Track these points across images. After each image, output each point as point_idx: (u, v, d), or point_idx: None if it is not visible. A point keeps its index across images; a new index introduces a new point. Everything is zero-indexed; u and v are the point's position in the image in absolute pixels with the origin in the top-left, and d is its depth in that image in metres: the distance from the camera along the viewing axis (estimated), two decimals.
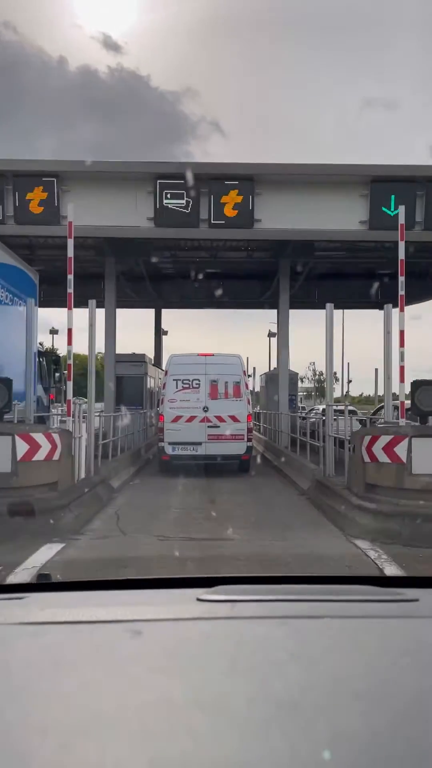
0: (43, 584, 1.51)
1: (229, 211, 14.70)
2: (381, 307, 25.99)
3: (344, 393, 39.38)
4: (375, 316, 24.08)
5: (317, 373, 65.21)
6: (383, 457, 7.32)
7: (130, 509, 8.79)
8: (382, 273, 19.81)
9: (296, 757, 0.63)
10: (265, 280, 21.21)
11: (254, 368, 32.61)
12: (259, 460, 16.64)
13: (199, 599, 1.21)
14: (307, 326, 27.63)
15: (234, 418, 12.64)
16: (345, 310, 31.06)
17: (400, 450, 7.18)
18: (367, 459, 7.55)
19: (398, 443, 7.22)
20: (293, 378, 22.93)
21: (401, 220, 9.41)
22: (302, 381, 66.69)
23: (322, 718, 0.72)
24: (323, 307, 27.72)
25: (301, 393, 53.35)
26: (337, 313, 33.61)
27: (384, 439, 7.35)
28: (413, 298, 21.96)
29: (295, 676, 0.85)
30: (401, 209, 9.50)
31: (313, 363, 63.91)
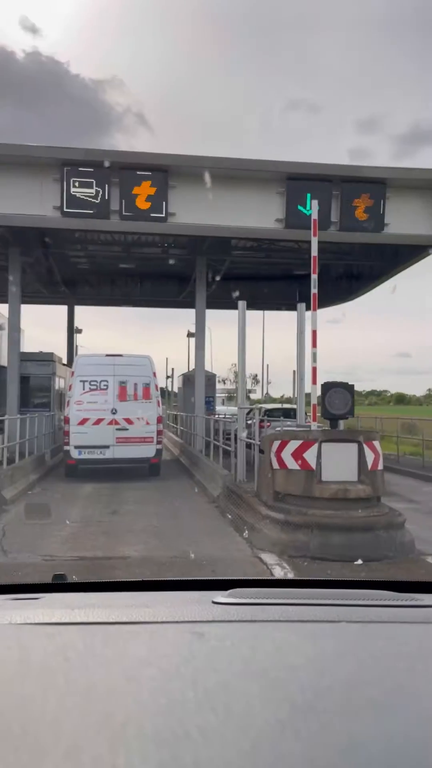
0: (58, 584, 1.48)
1: (142, 203, 13.98)
2: (307, 308, 26.12)
3: (264, 394, 39.40)
4: (287, 316, 24.09)
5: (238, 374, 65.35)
6: (292, 464, 6.86)
7: (20, 524, 7.91)
8: (300, 274, 19.70)
9: (310, 761, 0.62)
10: (183, 279, 20.62)
11: (173, 369, 32.06)
12: (172, 464, 15.98)
13: (214, 602, 1.20)
14: (232, 327, 27.37)
15: (143, 421, 12.25)
16: (266, 311, 31.01)
17: (309, 456, 6.75)
18: (276, 465, 7.08)
19: (307, 449, 6.78)
20: (211, 379, 22.42)
21: (314, 215, 9.04)
22: (224, 383, 66.73)
23: (337, 723, 0.71)
24: (250, 308, 27.38)
25: (223, 395, 53.17)
26: (258, 314, 33.62)
27: (293, 444, 6.90)
28: (334, 299, 22.12)
29: (310, 680, 0.84)
30: (314, 204, 9.14)
31: (234, 365, 64.10)
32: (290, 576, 5.67)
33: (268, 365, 37.57)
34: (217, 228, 14.69)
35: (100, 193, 13.64)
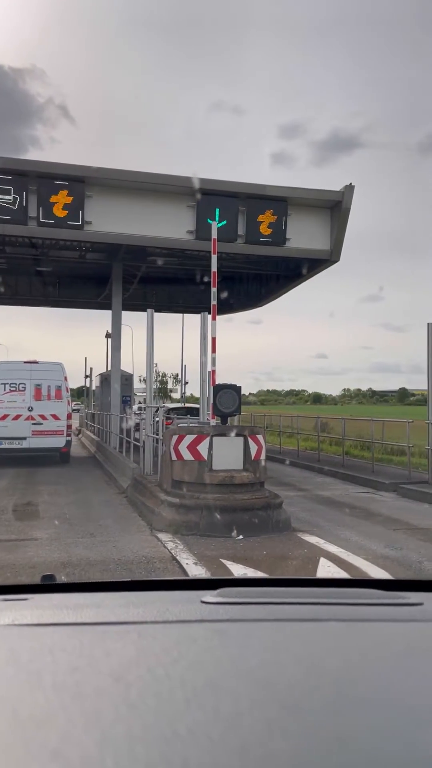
0: (47, 585, 1.50)
1: (59, 211, 14.62)
2: (218, 312, 27.00)
3: (182, 394, 40.44)
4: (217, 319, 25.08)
5: (159, 374, 66.07)
6: (187, 455, 7.89)
7: None
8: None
9: (299, 760, 0.63)
10: (102, 281, 21.26)
11: (91, 369, 32.41)
12: (88, 461, 16.71)
13: (203, 601, 1.21)
14: (156, 328, 28.11)
15: (55, 417, 14.82)
16: (186, 314, 32.01)
17: (202, 448, 7.80)
18: (174, 457, 8.08)
19: (201, 442, 7.82)
20: (129, 379, 23.19)
21: (213, 234, 10.11)
22: (144, 382, 67.00)
23: (326, 722, 0.71)
24: (161, 311, 28.26)
25: (143, 394, 53.66)
26: (178, 317, 34.48)
27: (188, 438, 7.92)
28: (246, 305, 23.41)
29: (298, 679, 0.85)
30: (213, 225, 10.20)
31: (156, 365, 64.74)
32: (180, 548, 6.69)
33: (185, 365, 38.57)
34: (131, 237, 15.53)
35: (18, 199, 14.17)
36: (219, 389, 8.24)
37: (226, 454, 7.83)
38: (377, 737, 0.68)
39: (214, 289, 9.99)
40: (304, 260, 17.19)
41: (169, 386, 74.64)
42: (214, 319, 10.01)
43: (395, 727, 0.71)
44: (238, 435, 7.99)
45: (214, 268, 10.08)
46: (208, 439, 7.81)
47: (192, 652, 0.96)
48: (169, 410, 17.73)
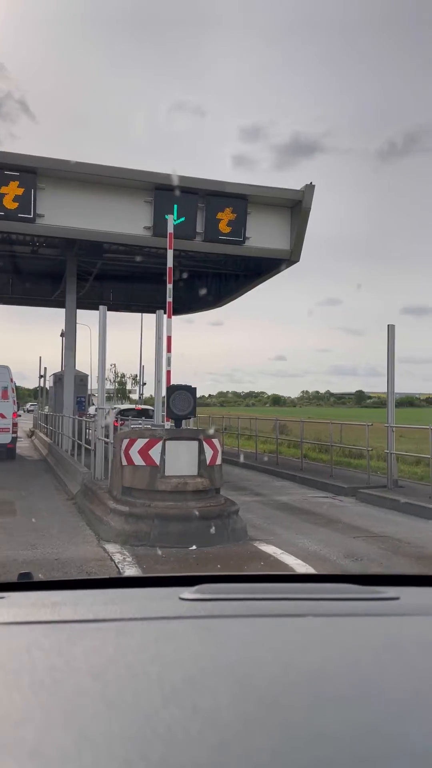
0: (23, 583, 1.46)
1: (9, 203, 13.93)
2: (173, 312, 26.55)
3: (140, 395, 39.77)
4: (174, 319, 24.64)
5: (118, 375, 65.16)
6: (139, 460, 7.43)
7: None
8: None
9: (277, 756, 0.62)
10: (56, 278, 20.55)
11: (45, 368, 31.49)
12: (39, 464, 16.01)
13: (181, 598, 1.19)
14: (114, 327, 27.49)
15: (2, 416, 15.86)
16: (145, 314, 31.41)
17: (154, 453, 7.35)
18: (124, 462, 7.60)
19: (153, 446, 7.38)
20: (84, 379, 22.51)
21: (169, 229, 9.69)
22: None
23: (305, 717, 0.71)
24: (120, 309, 27.62)
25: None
26: (137, 316, 33.83)
27: (140, 442, 7.46)
28: (204, 305, 23.04)
29: (276, 674, 0.84)
30: (170, 220, 9.79)
31: (114, 365, 63.74)
32: (128, 561, 6.23)
33: (143, 366, 37.95)
34: (86, 232, 14.95)
35: None
36: (173, 390, 7.81)
37: (180, 459, 7.41)
38: (356, 732, 0.67)
39: (169, 286, 9.56)
40: (264, 260, 16.91)
41: (128, 387, 73.88)
42: (169, 317, 9.58)
43: (374, 722, 0.70)
44: (192, 439, 7.58)
45: (169, 264, 9.66)
46: (160, 443, 7.37)
47: (170, 649, 0.95)
48: (122, 412, 17.19)
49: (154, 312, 27.02)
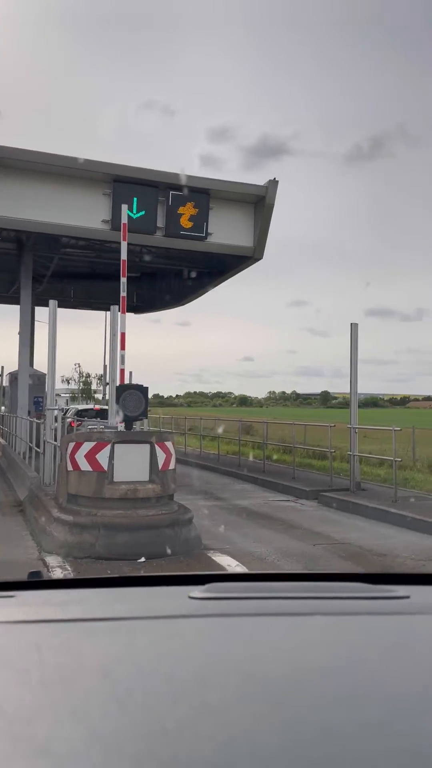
0: (33, 582, 1.45)
1: None
2: (136, 311, 26.15)
3: (103, 396, 39.01)
4: (133, 318, 24.20)
5: (83, 375, 64.04)
6: (85, 465, 6.90)
7: None
8: (133, 276, 19.86)
9: (286, 753, 0.63)
10: (12, 273, 19.77)
11: (2, 367, 30.42)
12: None
13: (190, 597, 1.19)
14: (76, 325, 26.78)
15: None
16: (107, 312, 30.66)
17: (102, 457, 6.83)
18: (70, 467, 7.07)
19: (100, 450, 6.86)
20: (41, 378, 21.74)
21: (123, 218, 9.19)
22: (68, 382, 64.87)
23: (314, 716, 0.71)
24: (80, 307, 26.84)
25: (67, 395, 51.62)
26: (101, 314, 33.17)
27: (87, 446, 6.94)
28: (167, 303, 22.54)
29: (286, 673, 0.84)
30: (123, 208, 9.28)
31: (78, 364, 62.64)
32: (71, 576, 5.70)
33: (107, 366, 37.16)
34: (41, 224, 14.31)
35: None
36: (123, 390, 7.31)
37: (130, 463, 6.90)
38: (364, 731, 0.68)
39: (123, 280, 9.05)
40: (227, 257, 16.49)
41: (94, 387, 72.75)
42: (123, 312, 9.07)
43: (383, 721, 0.70)
44: (143, 442, 7.09)
45: (123, 256, 9.14)
46: (109, 446, 6.86)
47: (180, 647, 0.96)
48: (80, 412, 16.55)
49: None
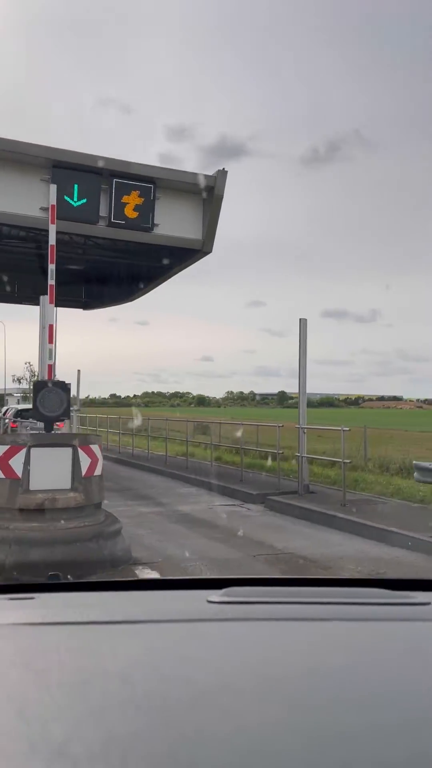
0: (53, 584, 1.46)
1: None
2: (85, 307, 25.19)
3: (79, 395, 37.91)
4: (80, 314, 23.34)
5: (35, 373, 62.30)
6: None
7: None
8: (77, 269, 19.00)
9: (305, 759, 0.63)
10: None
11: None
12: None
13: (209, 601, 1.19)
14: (30, 322, 25.66)
15: None
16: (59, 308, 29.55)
17: (16, 463, 6.07)
18: None
19: (14, 455, 6.09)
20: None
21: (51, 200, 8.42)
22: (20, 381, 63.05)
23: (332, 721, 0.71)
24: (24, 302, 25.64)
25: (18, 394, 49.95)
26: (61, 311, 32.02)
27: None
28: (116, 299, 21.73)
29: (304, 678, 0.84)
30: (52, 189, 8.53)
31: (30, 363, 60.88)
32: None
33: (79, 371, 36.12)
34: None
35: None
36: (40, 387, 6.55)
37: (49, 470, 6.16)
38: (383, 736, 0.67)
39: (51, 266, 8.27)
40: (176, 249, 15.80)
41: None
42: (51, 302, 8.29)
43: (400, 727, 0.70)
44: (64, 445, 6.36)
45: (52, 241, 8.37)
46: (24, 450, 6.10)
47: (198, 651, 0.96)
48: (20, 412, 15.57)
49: (65, 306, 25.47)
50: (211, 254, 15.63)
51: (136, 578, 1.33)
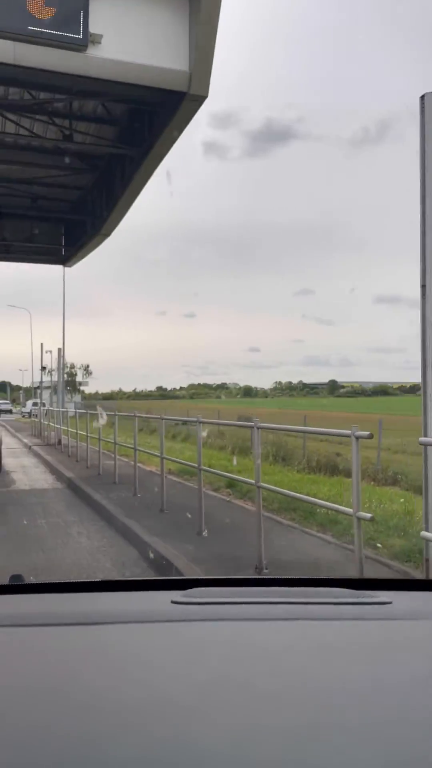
0: (15, 586, 1.44)
1: None
2: (64, 261, 18.12)
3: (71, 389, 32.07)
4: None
5: (68, 366, 56.93)
6: None
7: None
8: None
9: (267, 756, 0.63)
10: None
11: None
12: None
13: (173, 602, 1.19)
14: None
15: None
16: None
17: None
18: None
19: None
20: None
21: None
22: (50, 375, 58.08)
23: (297, 719, 0.72)
24: None
25: (48, 388, 44.46)
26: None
27: None
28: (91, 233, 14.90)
29: (269, 677, 0.85)
30: None
31: (54, 351, 55.41)
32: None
33: (60, 349, 30.34)
34: None
35: None
36: None
37: None
38: (349, 734, 0.68)
39: None
40: (139, 90, 8.66)
41: (79, 378, 65.18)
42: None
43: (367, 724, 0.71)
44: None
45: None
46: None
47: (163, 651, 0.96)
48: None
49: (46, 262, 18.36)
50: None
51: (100, 579, 1.05)
